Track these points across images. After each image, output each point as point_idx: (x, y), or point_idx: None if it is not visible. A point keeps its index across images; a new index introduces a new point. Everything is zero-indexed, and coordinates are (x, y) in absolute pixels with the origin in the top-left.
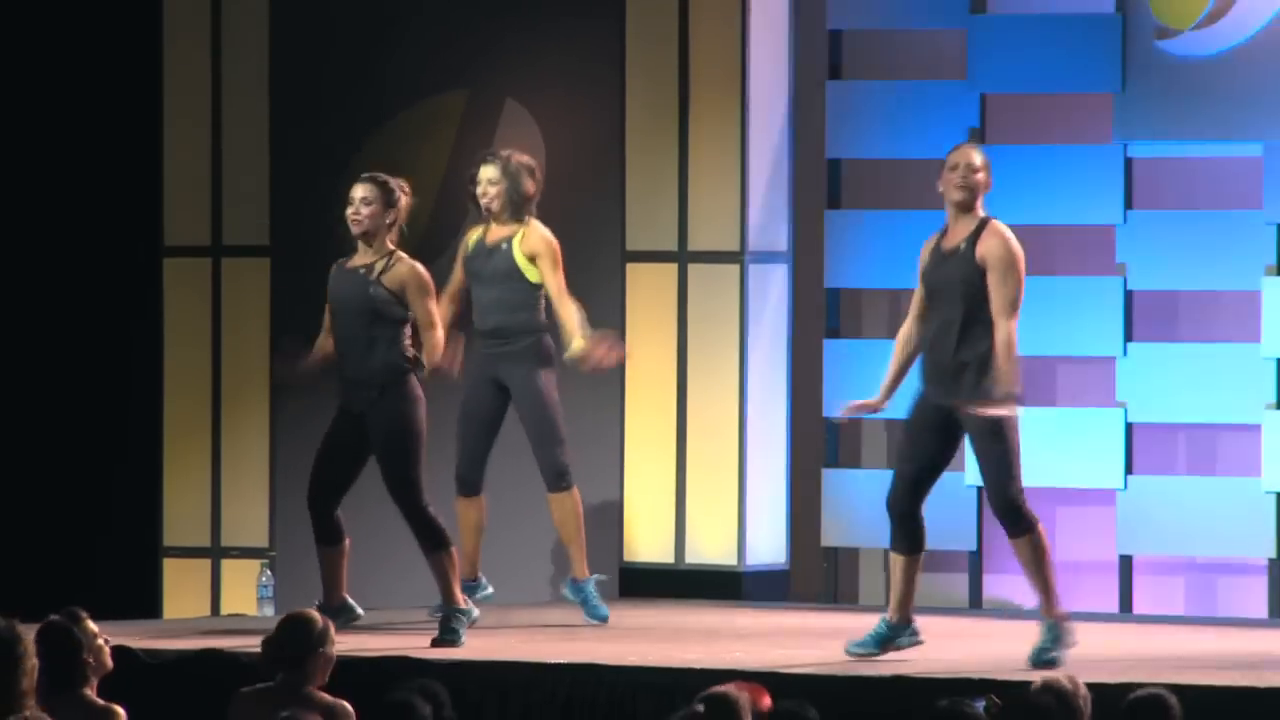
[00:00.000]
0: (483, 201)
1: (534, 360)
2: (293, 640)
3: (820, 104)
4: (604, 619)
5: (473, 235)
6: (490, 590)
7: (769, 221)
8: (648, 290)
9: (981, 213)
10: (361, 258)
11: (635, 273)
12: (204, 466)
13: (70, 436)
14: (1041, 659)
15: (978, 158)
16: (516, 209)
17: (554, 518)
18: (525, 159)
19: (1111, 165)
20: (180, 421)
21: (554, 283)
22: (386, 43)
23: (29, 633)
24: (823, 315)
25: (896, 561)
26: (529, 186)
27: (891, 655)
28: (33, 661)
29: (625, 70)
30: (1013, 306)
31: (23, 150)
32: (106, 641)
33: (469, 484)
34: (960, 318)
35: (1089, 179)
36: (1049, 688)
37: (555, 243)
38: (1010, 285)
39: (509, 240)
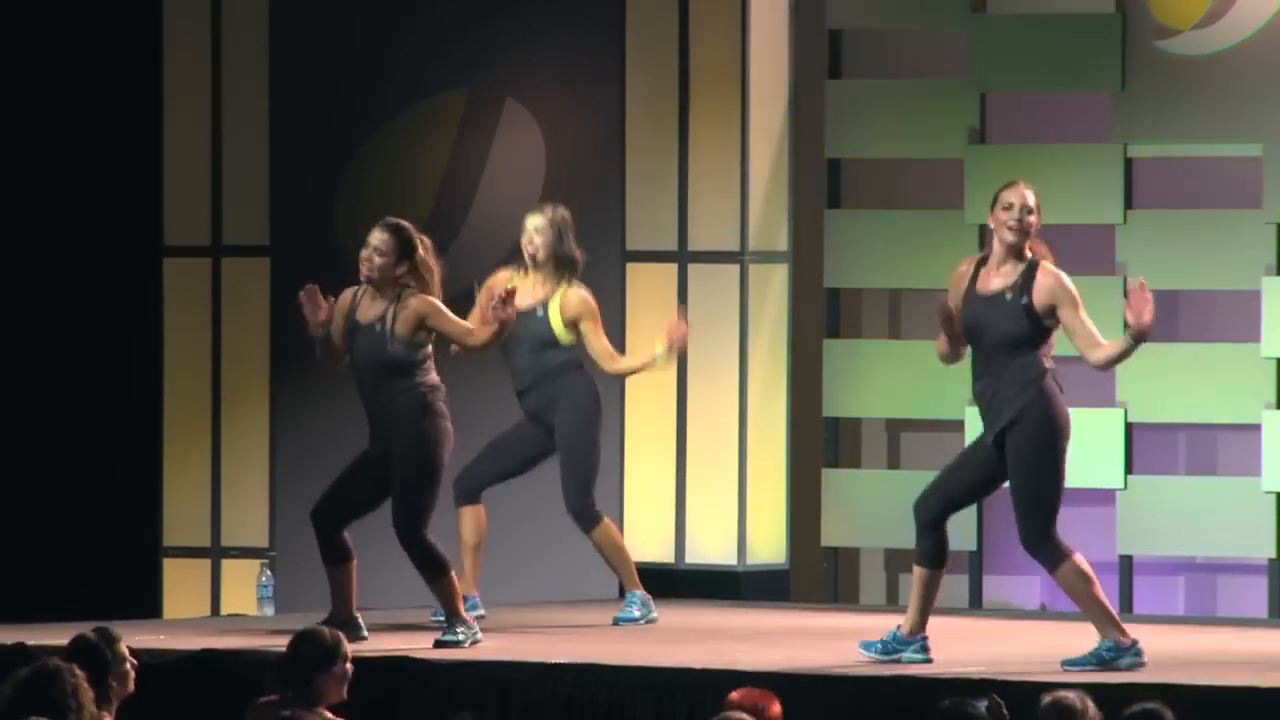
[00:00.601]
0: (528, 250)
1: (571, 398)
2: (300, 658)
3: (820, 104)
4: (627, 620)
5: (499, 282)
6: (481, 611)
7: (769, 221)
8: (648, 290)
9: (1028, 254)
10: (373, 306)
11: (635, 273)
12: (204, 466)
13: (70, 436)
14: (1074, 664)
15: (1033, 198)
16: (559, 266)
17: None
18: (566, 214)
19: (1111, 165)
20: (180, 421)
21: (599, 346)
22: (386, 43)
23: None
24: (823, 315)
25: (919, 574)
26: (572, 241)
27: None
28: (84, 699)
29: (625, 70)
30: (1095, 335)
31: (23, 150)
32: (134, 665)
33: (463, 493)
34: (1004, 364)
35: (1089, 179)
36: (1056, 706)
37: (594, 303)
38: (1084, 316)
39: (544, 305)
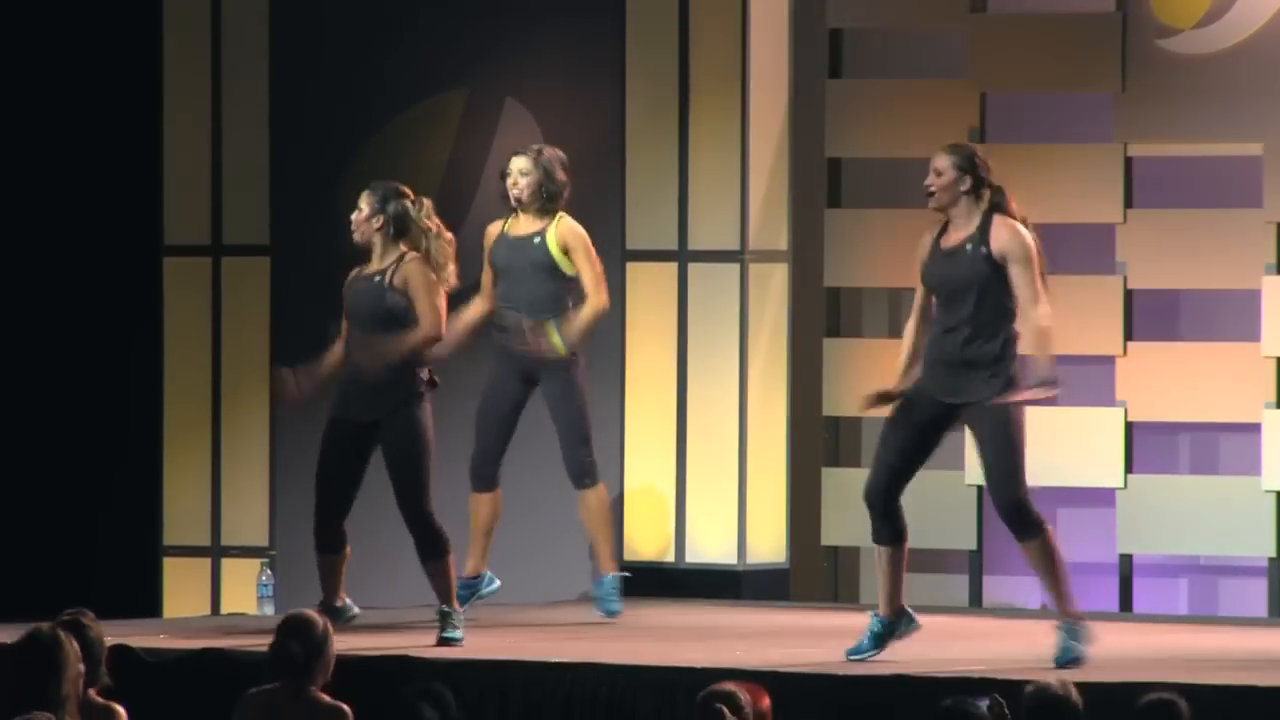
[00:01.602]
0: (513, 192)
1: (574, 362)
2: (301, 644)
3: (820, 103)
4: (613, 614)
5: (494, 229)
6: (498, 584)
7: (769, 221)
8: (648, 290)
9: (982, 207)
10: (375, 264)
11: (635, 272)
12: (204, 466)
13: (70, 436)
14: (1065, 660)
15: (942, 160)
16: (547, 201)
17: (580, 514)
18: (558, 152)
19: (1111, 164)
20: (180, 421)
21: (591, 273)
22: (386, 42)
23: (71, 641)
24: (823, 315)
25: (882, 554)
26: (561, 178)
27: (892, 655)
28: (76, 669)
29: (625, 69)
30: (1040, 294)
31: (23, 150)
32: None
33: (484, 478)
34: (969, 317)
35: (1089, 178)
36: (1040, 693)
37: (585, 234)
38: (1031, 273)
39: (541, 234)
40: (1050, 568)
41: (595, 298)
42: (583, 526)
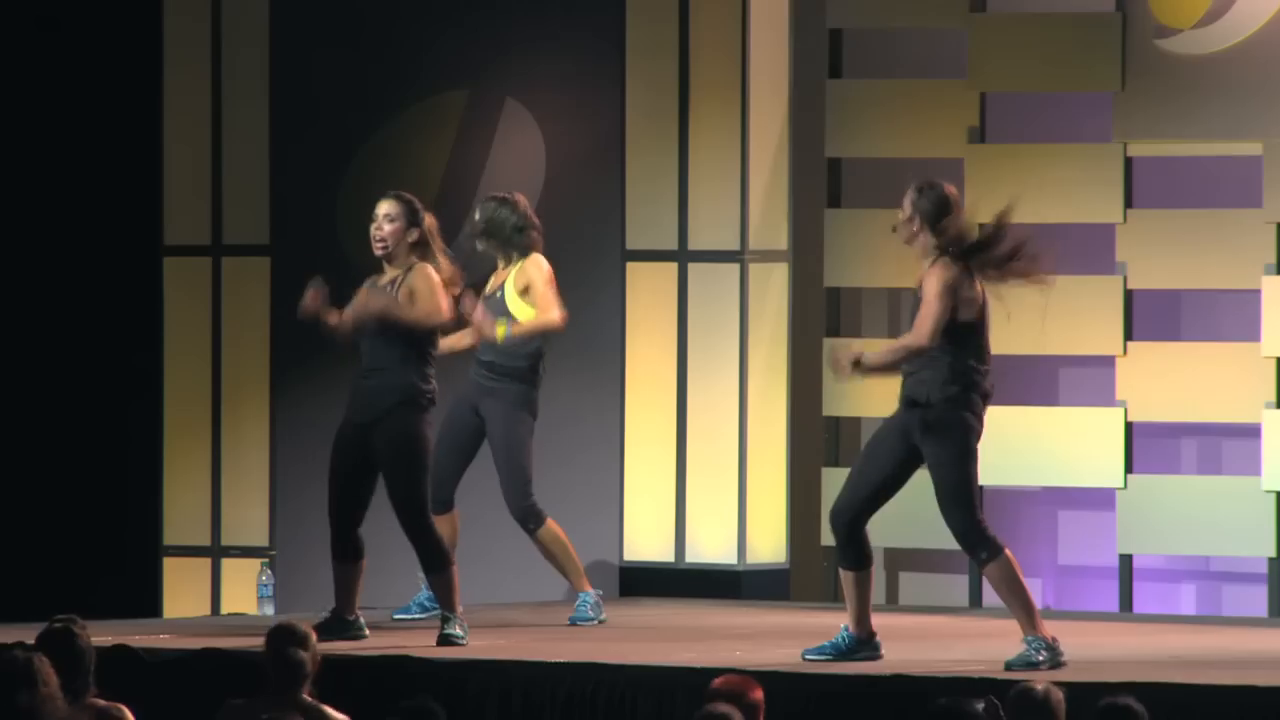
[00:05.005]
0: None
1: (516, 407)
2: (307, 651)
3: (820, 103)
4: (584, 620)
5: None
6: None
7: (769, 221)
8: (648, 290)
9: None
10: (388, 273)
11: (635, 272)
12: (204, 466)
13: (70, 436)
14: (1018, 663)
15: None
16: (516, 250)
17: (540, 553)
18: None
19: (1111, 164)
20: (180, 421)
21: (543, 296)
22: (386, 43)
23: (43, 661)
24: (823, 315)
25: (846, 578)
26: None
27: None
28: (48, 691)
29: (625, 70)
30: (920, 325)
31: (23, 150)
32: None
33: (439, 501)
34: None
35: (1089, 178)
36: (1021, 695)
37: (548, 269)
38: (924, 308)
39: (505, 281)
40: (1013, 589)
41: (545, 313)
42: (548, 563)
